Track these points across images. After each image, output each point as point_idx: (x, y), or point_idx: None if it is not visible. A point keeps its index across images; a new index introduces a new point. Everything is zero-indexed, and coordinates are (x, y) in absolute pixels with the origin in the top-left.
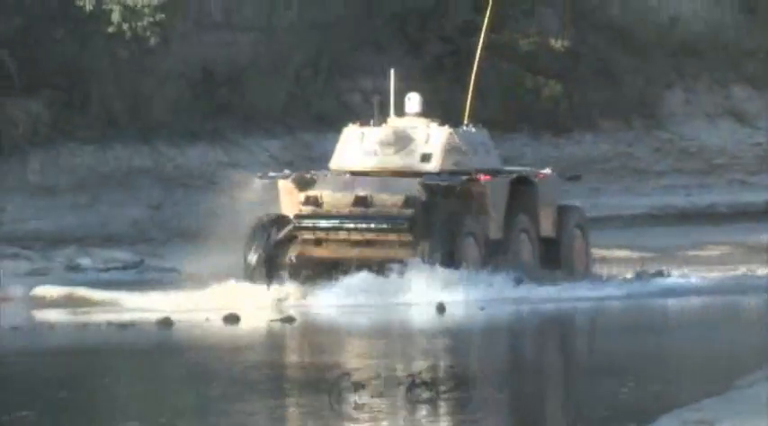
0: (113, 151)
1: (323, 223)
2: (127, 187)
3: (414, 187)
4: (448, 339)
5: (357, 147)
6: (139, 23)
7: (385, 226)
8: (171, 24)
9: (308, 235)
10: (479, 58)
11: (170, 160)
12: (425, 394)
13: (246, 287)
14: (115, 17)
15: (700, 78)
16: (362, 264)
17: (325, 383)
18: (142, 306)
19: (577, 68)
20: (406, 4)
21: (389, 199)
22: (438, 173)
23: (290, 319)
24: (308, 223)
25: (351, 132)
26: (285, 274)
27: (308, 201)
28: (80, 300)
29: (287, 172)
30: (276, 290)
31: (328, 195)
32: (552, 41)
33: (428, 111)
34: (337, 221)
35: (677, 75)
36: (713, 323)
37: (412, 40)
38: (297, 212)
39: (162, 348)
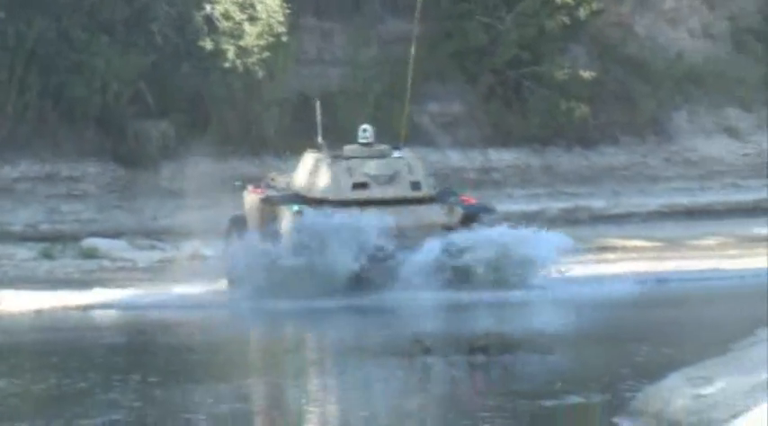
0: (228, 163)
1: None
2: (240, 191)
3: (436, 214)
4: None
5: (348, 180)
6: (249, 60)
7: None
8: (275, 61)
9: None
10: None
11: (274, 169)
12: (481, 358)
13: None
14: (230, 55)
15: (700, 101)
16: None
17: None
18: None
19: (602, 94)
20: (464, 43)
21: (425, 228)
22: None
23: None
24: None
25: (339, 167)
26: None
27: None
28: None
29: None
30: None
31: None
32: (582, 72)
33: (377, 140)
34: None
35: (682, 99)
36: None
37: (469, 73)
38: None
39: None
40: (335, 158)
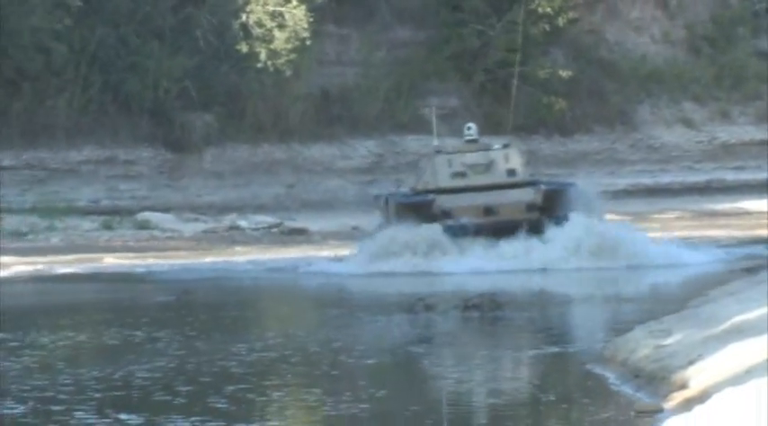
0: (261, 148)
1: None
2: (271, 172)
3: (528, 195)
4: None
5: (447, 171)
6: (279, 61)
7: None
8: (300, 61)
9: None
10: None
11: (300, 154)
12: (475, 314)
13: None
14: (263, 57)
15: (661, 97)
16: None
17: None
18: None
19: (577, 90)
20: (460, 47)
21: (512, 206)
22: (543, 182)
23: None
24: (458, 231)
25: (440, 159)
26: None
27: (444, 215)
28: None
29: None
30: None
31: (458, 208)
32: (560, 72)
33: (480, 135)
34: (477, 228)
35: (646, 95)
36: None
37: (465, 71)
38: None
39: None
40: (438, 153)
